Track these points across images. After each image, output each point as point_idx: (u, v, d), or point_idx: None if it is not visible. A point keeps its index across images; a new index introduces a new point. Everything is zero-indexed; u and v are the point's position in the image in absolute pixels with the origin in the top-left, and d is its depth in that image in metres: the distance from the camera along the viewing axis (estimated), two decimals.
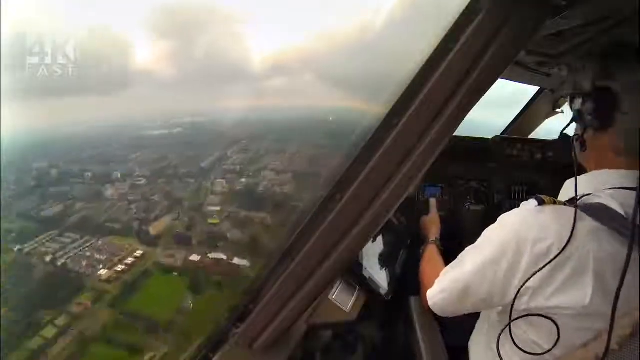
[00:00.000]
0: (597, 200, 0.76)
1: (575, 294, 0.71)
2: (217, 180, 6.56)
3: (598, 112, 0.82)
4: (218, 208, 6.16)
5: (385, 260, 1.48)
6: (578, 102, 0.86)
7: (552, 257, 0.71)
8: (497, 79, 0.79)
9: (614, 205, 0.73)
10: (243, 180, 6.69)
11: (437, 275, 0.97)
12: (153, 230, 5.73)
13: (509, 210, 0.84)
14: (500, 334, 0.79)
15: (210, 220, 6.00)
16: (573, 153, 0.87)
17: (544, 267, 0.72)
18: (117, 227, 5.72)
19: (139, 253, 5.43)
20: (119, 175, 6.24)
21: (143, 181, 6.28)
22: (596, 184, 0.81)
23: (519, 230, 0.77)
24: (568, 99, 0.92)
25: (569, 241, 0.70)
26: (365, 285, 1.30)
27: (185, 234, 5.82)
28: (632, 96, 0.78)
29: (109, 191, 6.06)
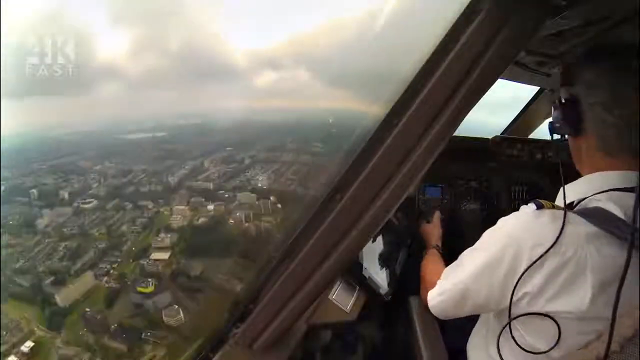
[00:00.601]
0: (594, 204, 0.76)
1: (574, 299, 0.71)
2: (177, 208, 5.02)
3: (565, 120, 0.83)
4: (165, 256, 4.50)
5: (385, 260, 1.48)
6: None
7: (548, 261, 0.71)
8: (497, 79, 0.79)
9: (612, 208, 0.73)
10: (210, 207, 5.01)
11: (438, 275, 0.98)
12: (62, 299, 4.14)
13: (508, 210, 0.84)
14: (499, 336, 0.78)
15: (140, 289, 4.25)
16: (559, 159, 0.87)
17: (527, 269, 0.72)
18: (24, 286, 4.17)
19: (28, 346, 3.72)
20: (67, 196, 4.97)
21: (91, 204, 4.98)
22: (593, 187, 0.81)
23: (517, 234, 0.77)
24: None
25: (554, 243, 0.70)
26: (365, 285, 1.30)
27: (97, 318, 4.03)
28: (588, 98, 0.79)
29: (44, 220, 4.72)
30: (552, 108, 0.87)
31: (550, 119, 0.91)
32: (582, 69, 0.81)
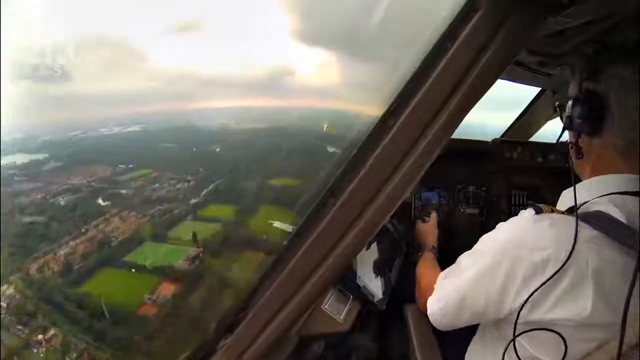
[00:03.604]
0: (596, 208, 0.75)
1: (576, 305, 0.69)
2: None
3: (588, 117, 0.80)
4: None
5: (380, 268, 1.44)
6: (568, 107, 0.84)
7: (549, 267, 0.69)
8: (496, 79, 0.77)
9: (614, 212, 0.71)
10: None
11: (434, 280, 0.96)
12: None
13: (507, 215, 0.82)
14: (505, 352, 0.75)
15: None
16: (570, 161, 0.85)
17: (547, 281, 0.69)
18: None
19: None
20: None
21: None
22: (594, 191, 0.79)
23: (516, 239, 0.76)
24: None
25: (571, 253, 0.68)
26: (359, 294, 1.27)
27: None
28: (620, 96, 0.76)
29: None
30: (570, 103, 0.83)
31: (552, 120, 0.89)
32: (615, 65, 0.77)
